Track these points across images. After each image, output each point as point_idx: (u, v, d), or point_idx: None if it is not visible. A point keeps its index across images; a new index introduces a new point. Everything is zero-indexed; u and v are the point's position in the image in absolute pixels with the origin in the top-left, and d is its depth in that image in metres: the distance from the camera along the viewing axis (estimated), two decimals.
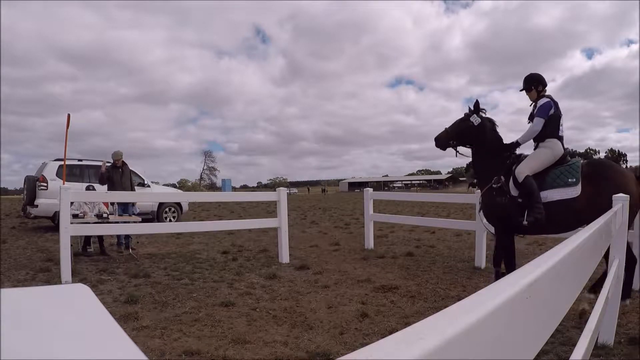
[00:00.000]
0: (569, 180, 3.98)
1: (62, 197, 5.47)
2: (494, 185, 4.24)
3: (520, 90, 4.47)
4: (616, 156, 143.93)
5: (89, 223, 6.99)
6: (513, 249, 4.42)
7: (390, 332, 3.62)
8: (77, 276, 5.59)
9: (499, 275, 4.46)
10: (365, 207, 8.17)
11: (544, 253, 1.01)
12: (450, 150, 4.66)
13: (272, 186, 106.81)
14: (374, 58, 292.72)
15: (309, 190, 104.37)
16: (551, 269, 0.86)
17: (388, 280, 5.43)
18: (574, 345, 1.76)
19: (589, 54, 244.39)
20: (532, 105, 4.41)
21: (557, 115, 4.21)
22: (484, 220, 4.61)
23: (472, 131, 4.43)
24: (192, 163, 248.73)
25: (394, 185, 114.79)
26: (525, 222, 3.96)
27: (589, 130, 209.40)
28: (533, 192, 3.97)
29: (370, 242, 8.10)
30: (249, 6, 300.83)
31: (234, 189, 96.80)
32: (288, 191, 8.38)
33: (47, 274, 5.86)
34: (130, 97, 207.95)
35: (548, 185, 4.04)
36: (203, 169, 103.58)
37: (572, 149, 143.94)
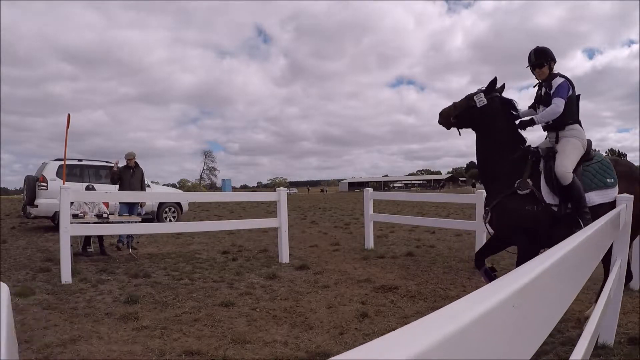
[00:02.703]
0: (607, 180, 3.42)
1: (62, 197, 5.47)
2: (520, 192, 3.39)
3: (528, 67, 3.74)
4: (616, 156, 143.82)
5: (89, 223, 6.99)
6: None
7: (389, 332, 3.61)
8: (77, 276, 5.59)
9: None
10: (365, 207, 8.17)
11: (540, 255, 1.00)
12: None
13: (272, 186, 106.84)
14: (375, 58, 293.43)
15: (308, 190, 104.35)
16: (542, 274, 0.81)
17: (388, 280, 5.42)
18: (574, 345, 1.76)
19: (590, 54, 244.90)
20: (539, 86, 3.75)
21: (575, 97, 3.62)
22: (494, 231, 3.77)
23: (474, 114, 3.60)
24: (193, 163, 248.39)
25: (394, 185, 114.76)
26: None
27: (589, 130, 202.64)
28: (582, 195, 3.31)
29: (370, 242, 8.09)
30: (251, 6, 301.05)
31: (234, 189, 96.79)
32: (288, 191, 8.38)
33: (47, 274, 5.86)
34: (131, 97, 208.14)
35: (587, 186, 3.42)
36: (203, 169, 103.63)
37: None
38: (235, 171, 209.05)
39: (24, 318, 3.88)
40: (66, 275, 5.35)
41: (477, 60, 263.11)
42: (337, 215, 17.48)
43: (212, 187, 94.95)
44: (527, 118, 3.65)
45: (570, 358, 1.53)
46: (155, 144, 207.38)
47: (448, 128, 3.79)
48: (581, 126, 3.64)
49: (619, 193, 3.38)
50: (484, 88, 3.69)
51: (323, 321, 3.89)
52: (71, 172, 10.80)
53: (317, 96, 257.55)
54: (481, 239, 6.30)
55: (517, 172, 3.48)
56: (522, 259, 3.57)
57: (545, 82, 3.67)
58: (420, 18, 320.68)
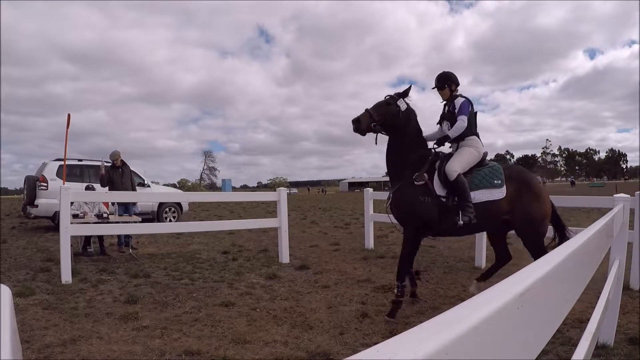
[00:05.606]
0: (495, 181, 3.95)
1: (62, 197, 5.47)
2: (417, 183, 3.92)
3: (433, 89, 4.33)
4: (616, 156, 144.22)
5: (89, 223, 6.99)
6: (416, 252, 4.26)
7: (390, 333, 3.57)
8: (77, 276, 5.59)
9: (403, 291, 4.00)
10: (366, 207, 8.17)
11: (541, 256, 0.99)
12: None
13: (272, 186, 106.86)
14: (377, 58, 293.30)
15: (309, 190, 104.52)
16: (546, 275, 0.81)
17: (388, 280, 5.42)
18: (574, 345, 1.76)
19: (592, 54, 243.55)
20: (444, 105, 4.32)
21: (474, 114, 4.22)
22: (393, 217, 4.27)
23: (398, 117, 3.99)
24: (193, 163, 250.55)
25: None
26: (460, 222, 3.77)
27: (589, 130, 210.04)
28: (465, 191, 3.83)
29: (370, 242, 8.10)
30: (252, 6, 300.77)
31: (234, 189, 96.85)
32: (288, 191, 8.38)
33: (47, 274, 5.86)
34: (132, 96, 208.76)
35: (474, 186, 3.94)
36: (203, 169, 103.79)
37: (572, 149, 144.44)
38: (236, 171, 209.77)
39: (24, 318, 3.88)
40: (66, 275, 5.35)
41: (479, 60, 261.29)
42: (337, 215, 17.48)
43: (212, 187, 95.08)
44: (443, 135, 4.17)
45: (572, 359, 1.53)
46: (155, 143, 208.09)
47: (364, 134, 3.99)
48: (479, 138, 4.19)
49: (508, 193, 3.94)
50: (399, 92, 4.11)
51: (323, 321, 3.89)
52: (71, 172, 10.81)
53: (318, 96, 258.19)
54: (481, 239, 6.29)
55: (418, 167, 4.00)
56: (407, 243, 4.14)
57: (448, 101, 4.26)
58: (422, 18, 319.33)
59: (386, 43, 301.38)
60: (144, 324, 3.79)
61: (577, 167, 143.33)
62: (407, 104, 4.07)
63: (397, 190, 4.04)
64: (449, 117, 4.21)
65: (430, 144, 4.24)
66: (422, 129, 4.24)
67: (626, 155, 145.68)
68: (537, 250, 3.93)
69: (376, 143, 4.17)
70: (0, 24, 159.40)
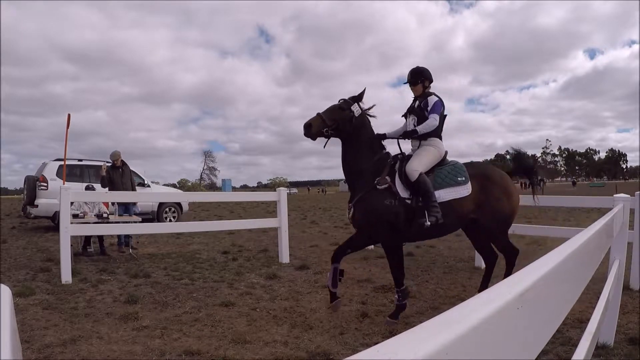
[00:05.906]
0: (459, 178, 3.83)
1: (62, 197, 5.47)
2: (379, 187, 3.76)
3: (405, 83, 4.21)
4: (616, 156, 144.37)
5: (89, 223, 6.99)
6: (401, 254, 3.96)
7: (390, 333, 3.57)
8: (77, 276, 5.59)
9: (405, 294, 3.90)
10: None
11: (542, 256, 0.99)
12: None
13: (272, 186, 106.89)
14: (377, 58, 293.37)
15: (309, 190, 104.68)
16: (546, 275, 0.81)
17: (388, 280, 5.42)
18: (574, 345, 1.76)
19: (592, 54, 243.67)
20: (414, 100, 4.16)
21: (444, 116, 4.11)
22: (356, 227, 4.01)
23: (350, 123, 3.82)
24: (193, 163, 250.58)
25: None
26: (427, 223, 3.60)
27: (589, 130, 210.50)
28: (429, 190, 3.68)
29: None
30: (252, 6, 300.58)
31: (234, 189, 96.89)
32: (288, 191, 8.38)
33: (47, 274, 5.86)
34: (132, 96, 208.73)
35: (438, 185, 3.80)
36: (203, 169, 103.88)
37: (572, 149, 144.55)
38: (236, 171, 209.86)
39: (24, 318, 3.88)
40: (66, 275, 5.35)
41: (479, 60, 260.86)
42: (337, 215, 17.48)
43: (212, 187, 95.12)
44: (411, 129, 4.02)
45: (572, 359, 1.53)
46: (155, 143, 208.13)
47: (314, 139, 3.83)
48: (441, 139, 4.07)
49: (474, 190, 3.84)
50: (354, 97, 3.95)
51: (323, 321, 3.89)
52: (71, 172, 10.81)
53: (318, 96, 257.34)
54: None
55: (378, 172, 3.85)
56: (388, 251, 3.98)
57: (420, 97, 4.09)
58: (422, 18, 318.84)
59: (386, 43, 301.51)
60: (144, 324, 3.79)
61: (577, 167, 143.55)
62: (362, 110, 3.92)
63: (361, 198, 3.84)
64: (418, 112, 4.05)
65: (390, 145, 4.14)
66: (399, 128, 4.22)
67: (626, 155, 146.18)
68: (503, 244, 3.96)
69: (324, 147, 3.98)
70: (0, 24, 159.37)
